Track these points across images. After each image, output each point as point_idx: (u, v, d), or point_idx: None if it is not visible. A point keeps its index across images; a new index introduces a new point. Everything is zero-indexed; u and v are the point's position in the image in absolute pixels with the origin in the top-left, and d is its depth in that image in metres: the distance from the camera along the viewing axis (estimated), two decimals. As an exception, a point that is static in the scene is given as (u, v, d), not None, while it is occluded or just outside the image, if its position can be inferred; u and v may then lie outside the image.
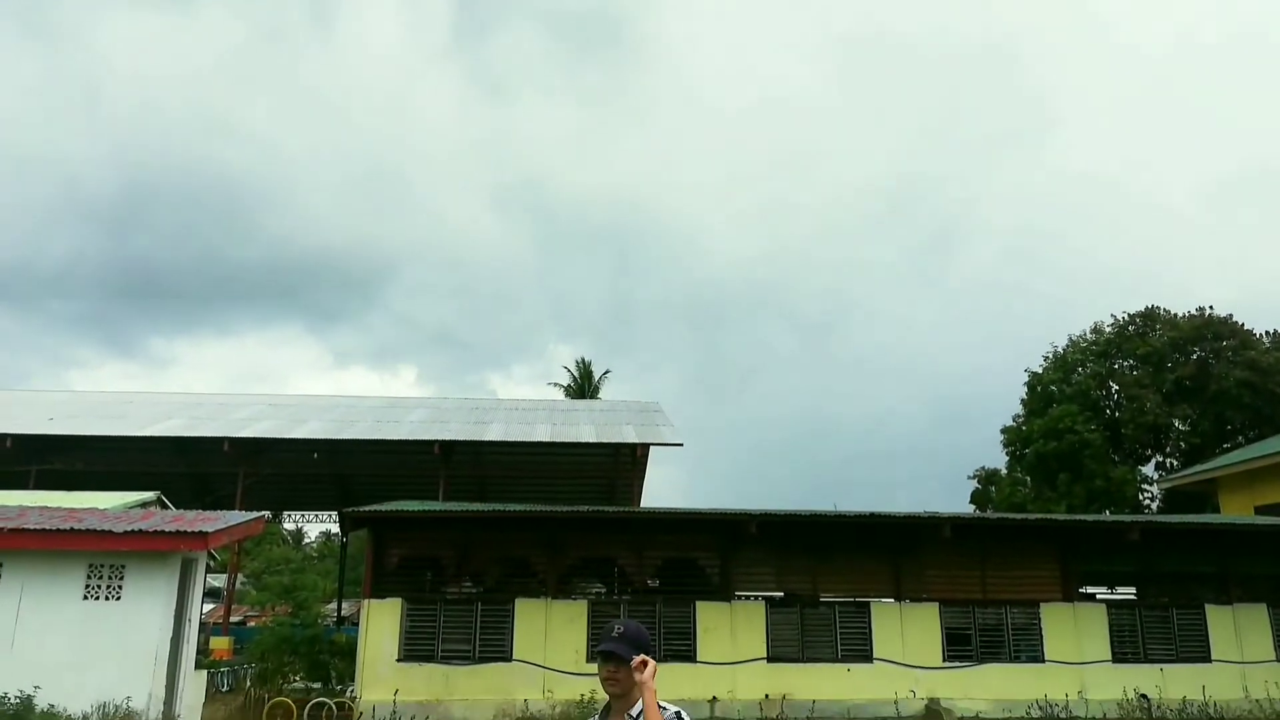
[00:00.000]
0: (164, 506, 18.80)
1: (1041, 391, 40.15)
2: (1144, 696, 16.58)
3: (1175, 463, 37.92)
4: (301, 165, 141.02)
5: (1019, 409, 41.36)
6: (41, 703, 10.36)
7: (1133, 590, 18.50)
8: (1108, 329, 40.77)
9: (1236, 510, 23.85)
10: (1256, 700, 16.43)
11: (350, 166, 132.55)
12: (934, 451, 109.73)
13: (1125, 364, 39.63)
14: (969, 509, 40.58)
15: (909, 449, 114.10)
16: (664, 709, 3.28)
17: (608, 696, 3.30)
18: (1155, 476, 37.90)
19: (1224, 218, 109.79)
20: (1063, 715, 15.99)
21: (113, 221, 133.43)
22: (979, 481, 44.07)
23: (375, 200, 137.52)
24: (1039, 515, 23.73)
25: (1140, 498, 37.55)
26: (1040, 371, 41.27)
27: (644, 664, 3.13)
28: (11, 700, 10.34)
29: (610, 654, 3.22)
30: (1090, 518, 21.61)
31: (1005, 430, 41.28)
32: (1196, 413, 36.93)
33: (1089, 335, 41.34)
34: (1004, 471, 42.12)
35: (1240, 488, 24.26)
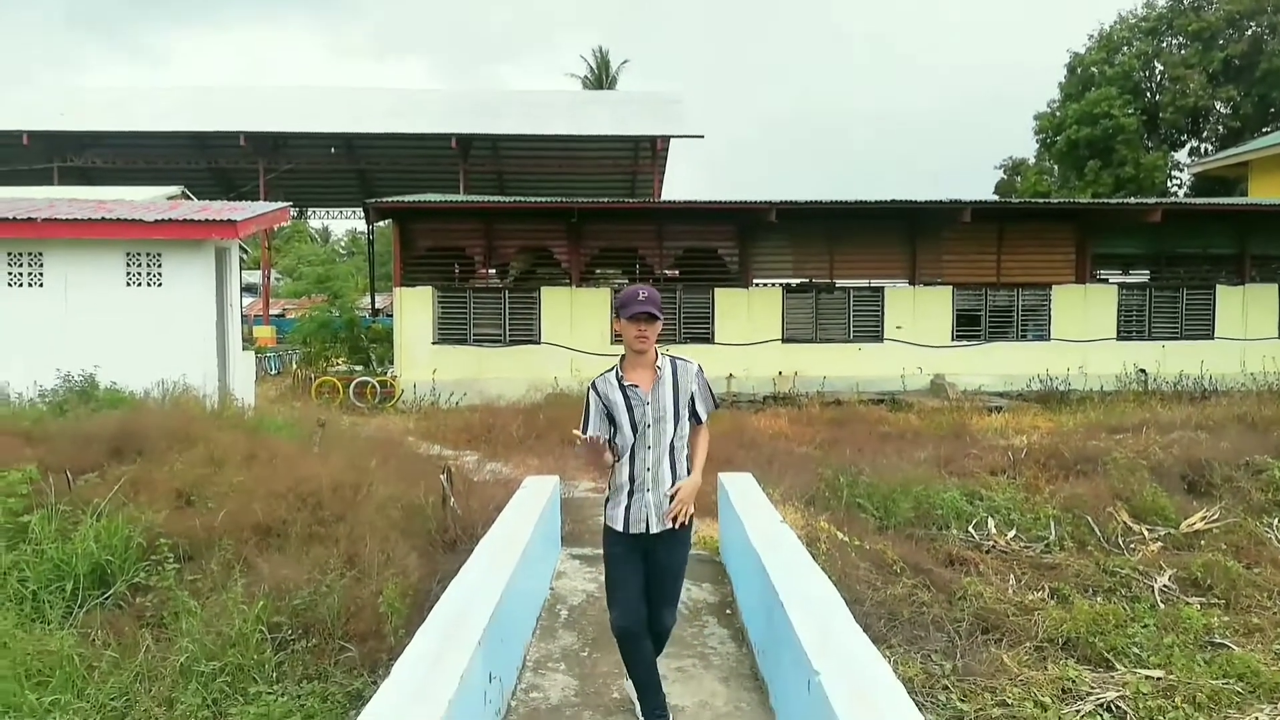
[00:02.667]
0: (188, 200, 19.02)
1: (1081, 74, 38.26)
2: (1142, 371, 17.44)
3: (1210, 148, 36.84)
4: None
5: (1057, 96, 39.69)
6: (104, 380, 11.20)
7: (1147, 273, 18.81)
8: (1161, 3, 37.96)
9: (1265, 195, 23.51)
10: (1252, 374, 17.21)
11: None
12: (965, 145, 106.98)
13: (1174, 42, 37.35)
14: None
15: (940, 142, 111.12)
16: (687, 362, 3.69)
17: (634, 352, 3.67)
18: (1187, 162, 37.00)
19: None
20: (1061, 388, 16.91)
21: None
22: (1005, 172, 43.35)
23: None
24: (1061, 201, 23.60)
25: (1169, 185, 36.96)
26: (1083, 52, 39.04)
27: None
28: (75, 378, 11.19)
29: (641, 314, 3.52)
30: (1113, 200, 21.47)
31: (1038, 117, 39.86)
32: (1240, 95, 35.31)
33: (1140, 10, 38.59)
34: (1032, 161, 41.28)
35: (1272, 172, 23.73)
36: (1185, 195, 35.82)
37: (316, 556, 5.65)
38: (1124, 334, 18.13)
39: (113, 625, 4.98)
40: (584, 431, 3.63)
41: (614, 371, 3.72)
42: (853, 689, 2.84)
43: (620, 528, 3.71)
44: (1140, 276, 18.87)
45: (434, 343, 17.37)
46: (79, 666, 4.48)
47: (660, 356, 3.73)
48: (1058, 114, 38.45)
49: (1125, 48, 37.74)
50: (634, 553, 3.74)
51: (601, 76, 48.16)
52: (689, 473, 3.75)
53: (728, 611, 5.46)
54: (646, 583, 3.77)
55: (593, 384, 3.75)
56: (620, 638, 3.71)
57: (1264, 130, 33.06)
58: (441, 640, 3.36)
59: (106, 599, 5.31)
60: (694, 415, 3.76)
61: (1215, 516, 7.41)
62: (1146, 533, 7.21)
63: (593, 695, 4.28)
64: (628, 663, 3.77)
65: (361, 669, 4.57)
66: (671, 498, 3.65)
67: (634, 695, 3.84)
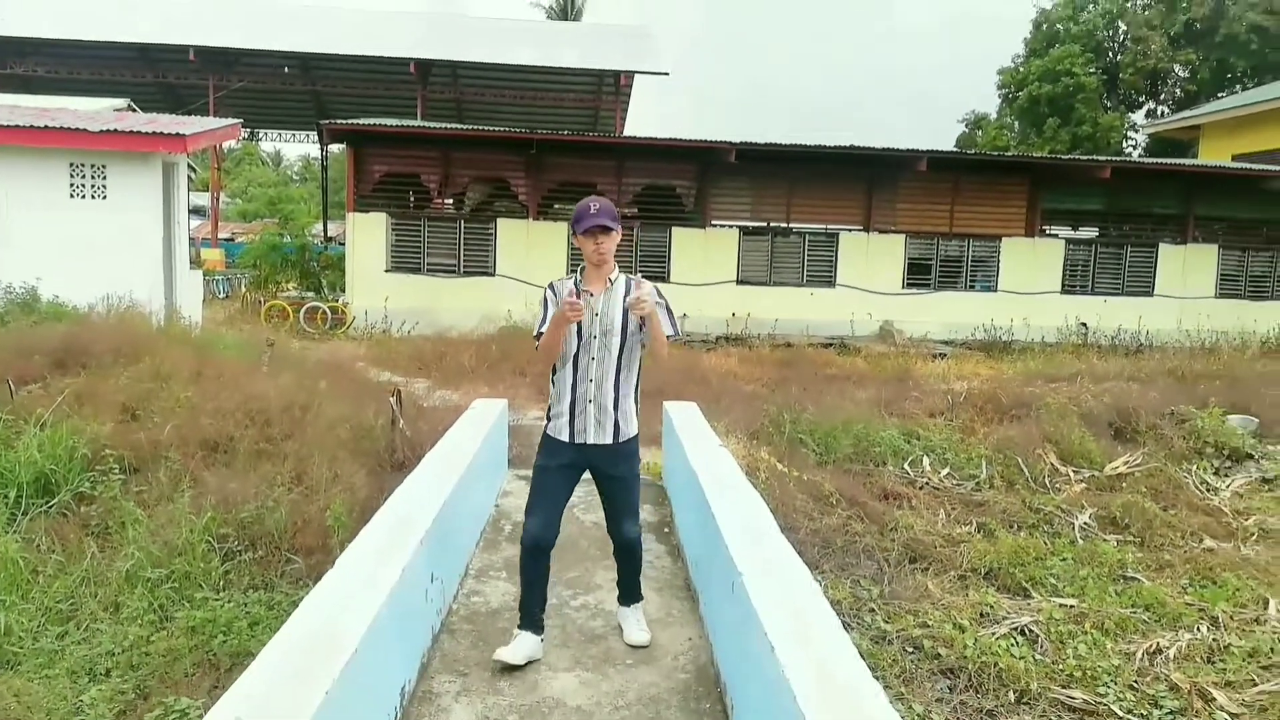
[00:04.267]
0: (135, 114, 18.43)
1: (1047, 30, 38.46)
2: (1083, 324, 17.95)
3: (1167, 110, 37.41)
4: None
5: (1022, 51, 39.86)
6: (46, 293, 10.97)
7: (1095, 229, 19.23)
8: (1128, -38, 38.14)
9: (1216, 158, 24.03)
10: (1187, 331, 17.81)
11: None
12: (932, 100, 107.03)
13: (1139, 2, 37.66)
14: (952, 151, 40.46)
15: (907, 96, 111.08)
16: (643, 282, 3.67)
17: (593, 265, 3.67)
18: (1142, 123, 37.57)
19: None
20: (1005, 338, 17.34)
21: None
22: (967, 126, 43.61)
23: None
24: (1015, 155, 23.88)
25: (1124, 145, 37.53)
26: (1050, 8, 39.16)
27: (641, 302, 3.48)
28: (17, 290, 10.95)
29: (596, 227, 3.55)
30: (1065, 157, 21.82)
31: (1002, 71, 40.06)
32: (1199, 59, 35.78)
33: (1107, -32, 38.72)
34: (994, 116, 41.57)
35: (1222, 136, 24.25)
36: (1139, 156, 36.42)
37: (264, 473, 5.71)
38: (1068, 288, 18.60)
39: (57, 533, 5.01)
40: (542, 326, 3.61)
41: (573, 279, 3.70)
42: (771, 588, 3.01)
43: (565, 438, 3.71)
44: (1089, 233, 19.28)
45: (387, 270, 17.20)
46: (23, 570, 4.52)
47: (617, 271, 3.72)
48: (1021, 69, 38.68)
49: (1091, 5, 37.96)
50: (570, 467, 3.76)
51: (568, 7, 47.12)
52: (632, 407, 3.76)
53: (666, 530, 5.68)
54: (601, 500, 3.85)
55: (550, 284, 3.73)
56: (528, 547, 3.69)
57: (1219, 95, 33.64)
58: (385, 538, 3.48)
59: (50, 508, 5.32)
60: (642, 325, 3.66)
61: (1138, 461, 7.76)
62: (1072, 474, 7.53)
63: (531, 602, 4.47)
64: (526, 574, 3.74)
65: (308, 580, 4.66)
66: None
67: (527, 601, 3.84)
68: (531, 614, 3.78)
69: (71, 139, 11.32)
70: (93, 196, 11.65)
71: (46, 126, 11.29)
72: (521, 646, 3.71)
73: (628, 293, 3.62)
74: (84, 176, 11.61)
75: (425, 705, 3.43)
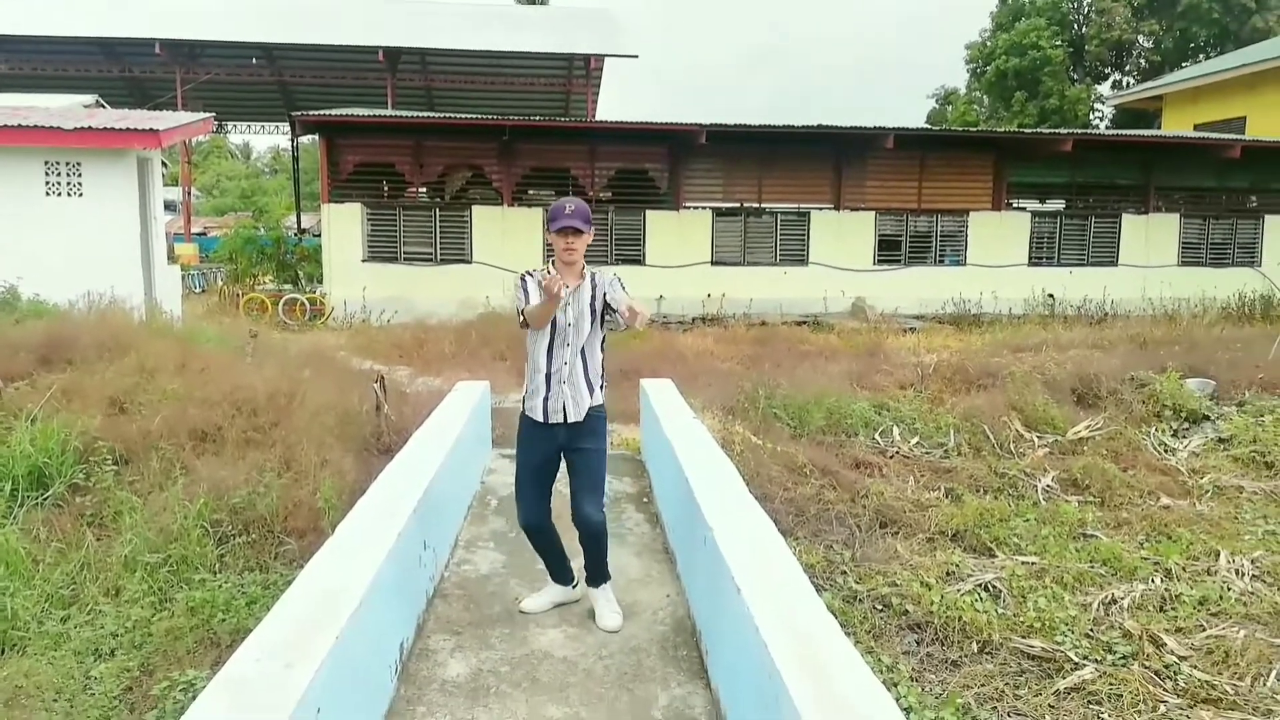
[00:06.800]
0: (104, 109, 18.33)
1: (1012, 3, 38.76)
2: (1050, 295, 18.31)
3: (1133, 81, 37.85)
4: None
5: (989, 26, 40.15)
6: (26, 293, 10.99)
7: (1062, 202, 19.57)
8: (1091, -66, 38.44)
9: (1178, 128, 24.46)
10: (1150, 300, 18.21)
11: None
12: (903, 75, 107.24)
13: (1103, -26, 37.96)
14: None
15: (878, 71, 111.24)
16: (603, 273, 3.97)
17: (563, 263, 3.91)
18: (1108, 95, 37.99)
19: None
20: (974, 311, 17.67)
21: None
22: (937, 102, 43.93)
23: None
24: (979, 130, 24.18)
25: (1091, 118, 37.96)
26: (1015, -19, 39.43)
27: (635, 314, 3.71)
28: (-3, 290, 10.97)
29: (568, 228, 3.80)
30: (1027, 131, 22.12)
31: (969, 46, 40.37)
32: (1163, 29, 36.23)
33: (1071, -60, 39.03)
34: (963, 91, 41.90)
35: (1184, 105, 24.67)
36: (1106, 128, 36.85)
37: (253, 460, 5.86)
38: (1035, 260, 18.95)
39: (54, 523, 5.15)
40: (525, 303, 3.88)
41: (546, 270, 3.94)
42: (738, 539, 3.27)
43: (540, 418, 3.97)
44: (1055, 205, 19.63)
45: (364, 260, 17.26)
46: (24, 559, 4.67)
47: (587, 270, 3.99)
48: (988, 44, 38.99)
49: (1056, -22, 38.25)
50: (546, 446, 4.02)
51: (535, -10, 46.82)
52: (598, 384, 4.05)
53: (644, 500, 5.93)
54: (569, 475, 4.07)
55: (526, 272, 4.02)
56: (525, 530, 4.13)
57: (1182, 65, 34.10)
58: (381, 508, 3.70)
59: (46, 499, 5.45)
60: (606, 313, 3.95)
61: (1099, 425, 8.05)
62: (1036, 440, 7.81)
63: (519, 568, 4.72)
64: (536, 549, 4.21)
65: (302, 561, 4.82)
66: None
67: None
68: (552, 572, 4.25)
69: (46, 137, 11.31)
70: (69, 194, 11.67)
71: (20, 125, 11.27)
72: (543, 594, 4.24)
73: (595, 288, 3.94)
74: (59, 174, 11.62)
75: (423, 661, 3.68)
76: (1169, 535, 5.88)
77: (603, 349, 4.11)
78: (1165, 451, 7.74)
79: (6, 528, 4.90)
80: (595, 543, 4.03)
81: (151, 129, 11.51)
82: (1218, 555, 5.45)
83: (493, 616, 4.15)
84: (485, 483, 6.21)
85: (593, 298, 3.93)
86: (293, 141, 20.09)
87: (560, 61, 28.92)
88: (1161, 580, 5.11)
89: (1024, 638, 4.37)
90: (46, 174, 11.63)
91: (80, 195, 11.68)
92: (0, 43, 25.71)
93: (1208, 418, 8.53)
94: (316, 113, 17.50)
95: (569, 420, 3.97)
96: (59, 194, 11.69)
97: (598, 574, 4.13)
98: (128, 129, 11.52)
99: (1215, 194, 19.72)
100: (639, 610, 4.21)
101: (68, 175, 11.66)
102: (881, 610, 4.65)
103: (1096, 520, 6.18)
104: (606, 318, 3.97)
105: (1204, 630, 4.50)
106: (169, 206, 30.37)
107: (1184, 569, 5.30)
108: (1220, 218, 19.58)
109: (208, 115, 14.16)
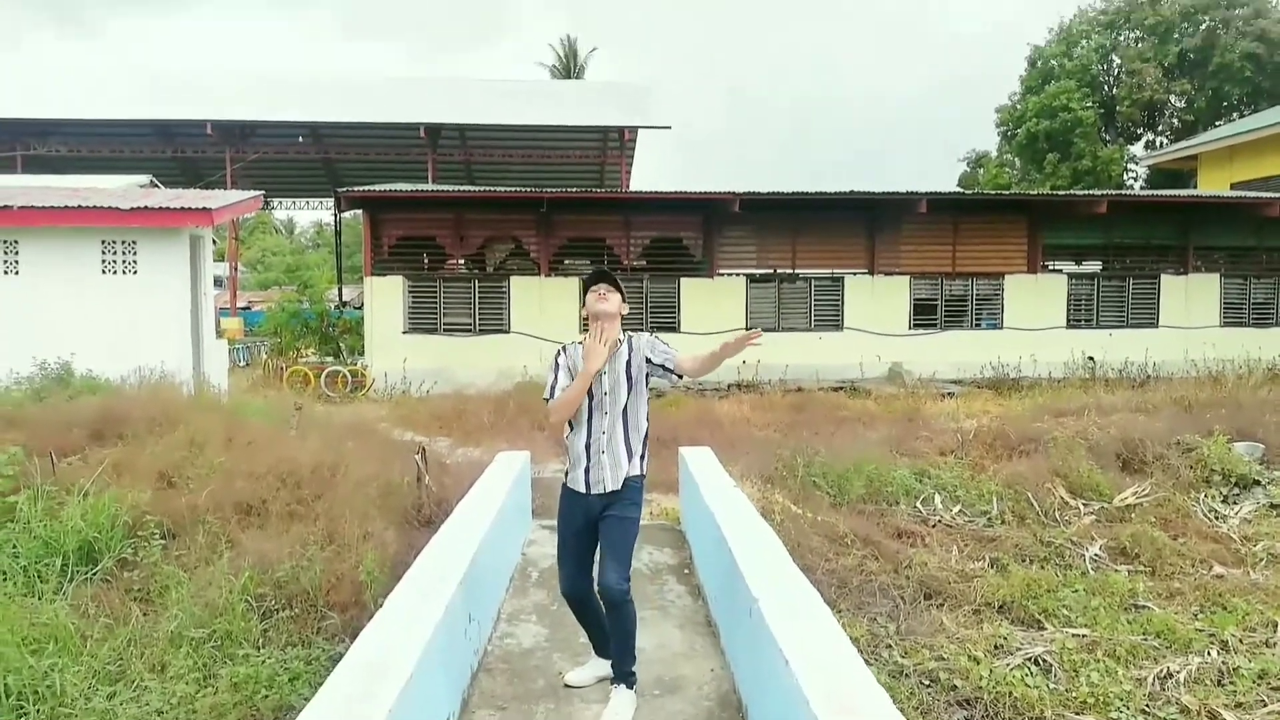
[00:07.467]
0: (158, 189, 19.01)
1: (1041, 67, 39.06)
2: (1090, 358, 18.09)
3: (1165, 141, 37.79)
4: None
5: (1018, 89, 40.46)
6: (79, 368, 11.33)
7: (1099, 264, 19.46)
8: (1119, -1, 38.86)
9: (1214, 187, 24.31)
10: (1193, 360, 17.90)
11: None
12: (932, 137, 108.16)
13: (1131, 36, 38.28)
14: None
15: (907, 135, 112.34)
16: (637, 336, 4.04)
17: (593, 316, 3.98)
18: (1141, 155, 37.94)
19: None
20: (1013, 375, 17.49)
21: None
22: (968, 164, 44.10)
23: None
24: (1012, 193, 24.24)
25: (1125, 179, 37.87)
26: (1043, 45, 39.83)
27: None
28: (52, 366, 11.30)
29: (601, 275, 4.02)
30: (1061, 193, 22.14)
31: (999, 110, 40.62)
32: (1194, 88, 36.27)
33: (1098, 4, 39.44)
34: (994, 154, 42.05)
35: (1220, 165, 24.53)
36: (1140, 188, 36.73)
37: (297, 533, 5.93)
38: (1073, 323, 18.80)
39: (102, 598, 5.23)
40: (551, 391, 3.97)
41: (582, 344, 4.03)
42: (785, 610, 3.24)
43: (581, 489, 3.99)
44: (1092, 267, 19.51)
45: (404, 332, 17.57)
46: (73, 634, 4.74)
47: (623, 334, 4.05)
48: (1018, 107, 39.21)
49: (1084, 41, 38.59)
50: (584, 515, 4.00)
51: (570, 65, 48.19)
52: (639, 451, 4.05)
53: (686, 571, 5.88)
54: (600, 542, 4.01)
55: (562, 347, 4.10)
56: (566, 600, 4.14)
57: (1216, 123, 34.03)
58: (425, 582, 3.72)
59: (95, 574, 5.54)
60: (651, 373, 4.01)
61: (1146, 491, 7.89)
62: (1082, 507, 7.67)
63: (561, 641, 4.72)
64: (579, 619, 4.20)
65: (344, 635, 4.85)
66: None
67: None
68: (595, 644, 4.25)
69: (104, 217, 11.78)
70: (124, 272, 12.09)
71: (80, 206, 11.76)
72: (588, 668, 4.22)
73: (631, 353, 4.01)
74: (115, 253, 12.05)
75: (469, 735, 3.65)
76: (1224, 605, 5.71)
77: (646, 417, 4.10)
78: (1216, 518, 7.55)
79: (56, 604, 4.98)
80: (615, 614, 3.87)
81: (205, 208, 11.93)
82: (1275, 626, 5.29)
83: (537, 691, 4.13)
84: (526, 554, 6.23)
85: (629, 363, 3.98)
86: (336, 216, 20.66)
87: (595, 134, 29.59)
88: (1218, 653, 4.95)
89: (1078, 714, 4.25)
90: (103, 252, 12.07)
91: (135, 273, 12.09)
92: (59, 126, 26.89)
93: (1258, 482, 8.31)
94: (361, 189, 18.01)
95: (607, 490, 3.98)
96: (114, 272, 12.10)
97: (619, 662, 3.93)
98: (182, 208, 11.95)
99: (1255, 253, 19.52)
100: (683, 685, 4.17)
101: (123, 253, 12.08)
102: (929, 685, 4.55)
103: (1148, 590, 6.02)
104: (654, 375, 4.01)
105: (1264, 705, 4.35)
106: (216, 282, 31.23)
107: (1241, 640, 5.13)
108: (1262, 277, 19.35)
109: (258, 193, 14.66)
